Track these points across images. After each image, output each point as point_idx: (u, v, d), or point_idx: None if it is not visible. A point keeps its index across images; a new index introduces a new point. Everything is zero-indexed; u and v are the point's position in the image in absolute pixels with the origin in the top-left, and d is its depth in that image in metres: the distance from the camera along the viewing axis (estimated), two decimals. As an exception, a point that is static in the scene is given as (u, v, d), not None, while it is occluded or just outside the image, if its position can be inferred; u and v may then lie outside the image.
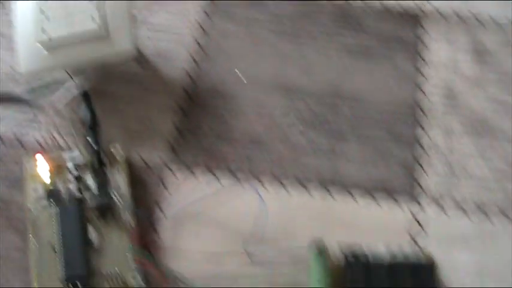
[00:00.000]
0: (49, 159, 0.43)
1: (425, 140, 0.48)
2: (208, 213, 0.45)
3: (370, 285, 0.41)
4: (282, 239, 0.45)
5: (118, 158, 0.44)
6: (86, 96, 0.44)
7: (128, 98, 0.47)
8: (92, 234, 0.42)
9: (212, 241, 0.44)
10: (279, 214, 0.45)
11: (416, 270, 0.41)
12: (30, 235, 0.41)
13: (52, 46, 0.43)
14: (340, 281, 0.41)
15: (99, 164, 0.43)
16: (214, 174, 0.46)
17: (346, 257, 0.42)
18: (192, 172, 0.46)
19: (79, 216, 0.42)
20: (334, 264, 0.43)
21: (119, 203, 0.42)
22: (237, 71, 0.48)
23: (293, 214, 0.46)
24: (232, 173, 0.46)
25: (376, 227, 0.46)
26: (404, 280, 0.41)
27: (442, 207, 0.47)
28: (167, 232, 0.44)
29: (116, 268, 0.41)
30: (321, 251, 0.42)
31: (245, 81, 0.47)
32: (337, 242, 0.42)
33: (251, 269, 0.42)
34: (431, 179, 0.47)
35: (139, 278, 0.41)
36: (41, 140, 0.46)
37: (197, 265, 0.43)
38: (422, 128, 0.48)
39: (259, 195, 0.44)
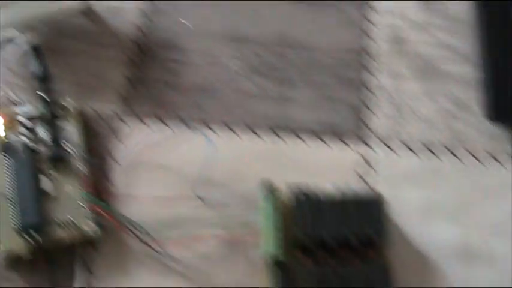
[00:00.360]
0: (2, 114, 0.44)
1: (372, 84, 0.49)
2: (160, 160, 0.46)
3: (318, 221, 0.41)
4: (233, 181, 0.45)
5: (70, 109, 0.44)
6: (36, 51, 0.45)
7: (79, 53, 0.48)
8: (46, 184, 0.42)
9: (164, 186, 0.45)
10: (230, 158, 0.46)
11: (364, 205, 0.42)
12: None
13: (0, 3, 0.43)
14: (289, 218, 0.42)
15: (51, 116, 0.43)
16: (165, 123, 0.47)
17: (294, 195, 0.42)
18: (143, 121, 0.47)
19: (33, 166, 0.42)
20: (283, 203, 0.43)
21: (72, 153, 0.43)
22: (181, 19, 0.49)
23: (243, 158, 0.46)
24: (183, 121, 0.46)
25: (326, 168, 0.47)
26: (352, 215, 0.42)
27: (390, 147, 0.48)
28: (120, 179, 0.44)
29: (70, 216, 0.41)
30: (270, 191, 0.43)
31: (192, 28, 0.47)
32: (287, 182, 0.43)
33: (203, 212, 0.43)
34: (379, 120, 0.48)
35: (93, 225, 0.41)
36: (-7, 96, 0.46)
37: (150, 210, 0.43)
38: (370, 73, 0.49)
39: (208, 138, 0.44)
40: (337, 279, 0.40)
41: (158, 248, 0.43)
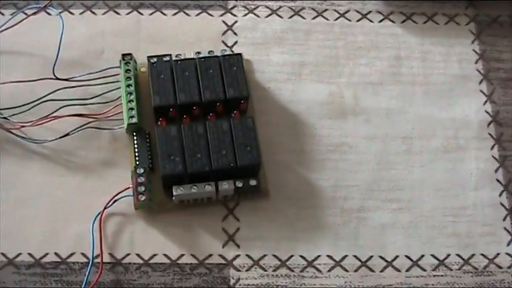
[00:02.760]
0: None
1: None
2: (17, 45, 0.44)
3: (179, 87, 0.41)
4: (92, 59, 0.44)
5: None
6: None
7: None
8: None
9: (23, 71, 0.43)
10: (88, 37, 0.45)
11: (226, 68, 0.41)
12: None
13: None
14: (148, 88, 0.41)
15: None
16: (18, 8, 0.44)
17: (152, 65, 0.41)
18: (-3, 9, 0.44)
19: None
20: (142, 74, 0.43)
21: None
22: None
23: (103, 35, 0.45)
24: (39, 5, 0.44)
25: (190, 39, 0.45)
26: (214, 78, 0.41)
27: (254, 13, 0.47)
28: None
29: None
30: (128, 62, 0.42)
31: None
32: (148, 56, 0.42)
33: (63, 92, 0.41)
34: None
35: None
36: None
37: (8, 96, 0.41)
38: None
39: (60, 16, 0.42)
40: (199, 137, 0.40)
41: (18, 132, 0.41)
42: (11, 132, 0.40)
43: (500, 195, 0.40)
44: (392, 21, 0.46)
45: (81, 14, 0.45)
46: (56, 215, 0.39)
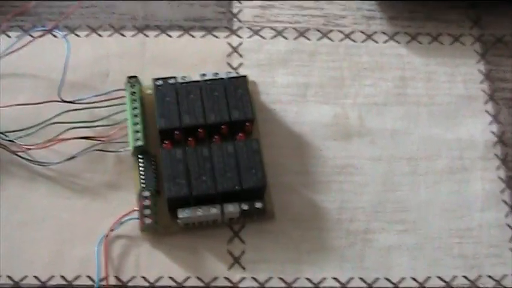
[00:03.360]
0: None
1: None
2: (23, 67, 0.44)
3: (183, 109, 0.41)
4: (98, 81, 0.44)
5: None
6: None
7: None
8: None
9: (28, 94, 0.43)
10: (93, 59, 0.45)
11: (231, 90, 0.42)
12: None
13: None
14: (152, 110, 0.42)
15: None
16: (24, 30, 0.45)
17: (157, 87, 0.42)
18: (4, 32, 0.44)
19: None
20: (147, 96, 0.43)
21: None
22: None
23: (108, 57, 0.45)
24: (45, 27, 0.45)
25: (195, 61, 0.46)
26: (219, 100, 0.42)
27: (259, 34, 0.47)
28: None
29: None
30: (134, 84, 0.42)
31: None
32: (153, 78, 0.42)
33: (69, 115, 0.41)
34: (247, 10, 0.47)
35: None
36: None
37: (14, 119, 0.41)
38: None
39: (65, 38, 0.42)
40: (204, 159, 0.40)
41: (24, 155, 0.41)
42: (17, 155, 0.41)
43: (506, 216, 0.40)
44: (397, 42, 0.47)
45: (86, 36, 0.46)
46: (61, 238, 0.39)
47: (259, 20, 0.47)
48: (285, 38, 0.47)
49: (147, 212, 0.39)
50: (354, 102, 0.45)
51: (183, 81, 0.42)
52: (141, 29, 0.46)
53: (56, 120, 0.42)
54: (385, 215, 0.41)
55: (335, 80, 0.45)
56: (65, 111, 0.42)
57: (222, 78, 0.42)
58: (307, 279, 0.39)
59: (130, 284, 0.38)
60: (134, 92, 0.42)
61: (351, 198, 0.42)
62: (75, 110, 0.42)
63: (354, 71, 0.46)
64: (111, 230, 0.39)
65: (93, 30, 0.46)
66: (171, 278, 0.38)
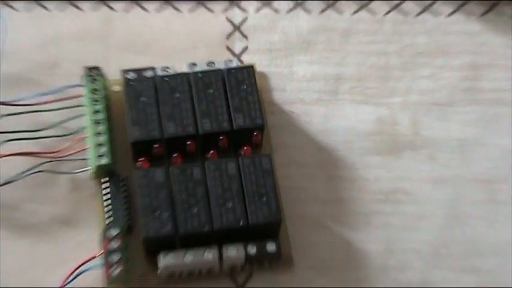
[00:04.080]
0: None
1: None
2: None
3: (165, 114, 0.43)
4: (44, 73, 0.47)
5: None
6: None
7: None
8: None
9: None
10: (39, 44, 0.47)
11: (232, 85, 0.44)
12: None
13: None
14: (123, 115, 0.44)
15: None
16: None
17: (124, 75, 0.43)
18: None
19: None
20: (115, 95, 0.45)
21: None
22: None
23: (58, 41, 0.47)
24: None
25: (179, 45, 0.48)
26: (215, 101, 0.44)
27: (271, 6, 0.49)
28: None
29: None
30: (95, 78, 0.45)
31: None
32: (122, 69, 0.44)
33: (8, 122, 0.44)
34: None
35: None
36: None
37: None
38: None
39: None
40: (195, 183, 0.42)
41: None
42: None
43: None
44: (467, 15, 0.48)
45: (27, 9, 0.47)
46: (-6, 295, 0.40)
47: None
48: (308, 11, 0.49)
49: (115, 257, 0.41)
50: (405, 102, 0.47)
51: (164, 73, 0.44)
52: (104, 0, 0.48)
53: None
54: (451, 261, 0.43)
55: (378, 70, 0.47)
56: (-1, 117, 0.42)
57: (220, 70, 0.44)
58: None
59: None
60: (96, 90, 0.44)
61: (401, 237, 0.43)
62: (13, 114, 0.44)
63: (405, 57, 0.48)
64: (65, 284, 0.40)
65: (38, 2, 0.48)
66: None
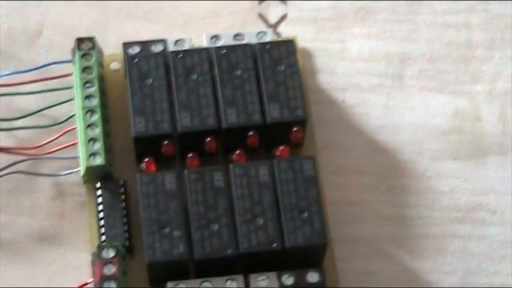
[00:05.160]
0: None
1: None
2: None
3: (176, 83, 0.44)
4: (24, 48, 0.48)
5: None
6: None
7: None
8: None
9: None
10: (15, 7, 0.49)
11: (263, 53, 0.45)
12: None
13: None
14: (123, 103, 0.44)
15: None
16: None
17: (126, 50, 0.44)
18: None
19: None
20: (111, 70, 0.46)
21: None
22: None
23: (39, 2, 0.49)
24: None
25: (197, 11, 0.49)
26: (241, 67, 0.44)
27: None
28: None
29: None
30: (87, 52, 0.45)
31: None
32: (125, 42, 0.45)
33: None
34: None
35: None
36: None
37: None
38: None
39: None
40: (215, 192, 0.42)
41: None
42: None
43: None
44: None
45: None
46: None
47: None
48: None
49: (111, 286, 0.41)
50: (492, 91, 0.47)
51: (177, 48, 0.45)
52: None
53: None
54: None
55: (457, 48, 0.48)
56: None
57: (250, 45, 0.44)
58: None
59: None
60: (88, 67, 0.45)
61: (483, 267, 0.44)
62: None
63: (491, 33, 0.48)
64: None
65: None
66: None
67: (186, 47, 0.45)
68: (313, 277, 0.41)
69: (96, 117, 0.44)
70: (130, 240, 0.43)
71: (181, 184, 0.42)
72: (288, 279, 0.41)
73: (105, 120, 0.44)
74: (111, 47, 0.45)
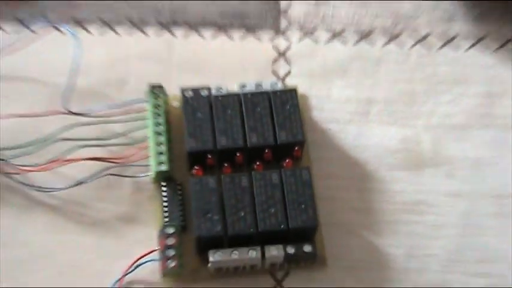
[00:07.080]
0: None
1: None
2: (21, 70, 0.46)
3: (219, 128, 0.42)
4: (115, 91, 0.46)
5: None
6: None
7: None
8: None
9: (29, 103, 0.45)
10: (107, 61, 0.46)
11: (275, 97, 0.43)
12: None
13: None
14: (181, 127, 0.43)
15: None
16: (22, 23, 0.46)
17: (187, 99, 0.43)
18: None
19: None
20: (174, 110, 0.44)
21: None
22: None
23: (126, 61, 0.46)
24: (49, 21, 0.46)
25: (231, 68, 0.47)
26: (262, 117, 0.43)
27: (312, 37, 0.48)
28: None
29: None
30: (158, 95, 0.44)
31: None
32: (181, 87, 0.43)
33: (77, 130, 0.43)
34: (298, 6, 0.49)
35: None
36: None
37: (9, 132, 0.43)
38: None
39: (74, 34, 0.44)
40: (242, 190, 0.41)
41: (20, 178, 0.42)
42: (12, 178, 0.42)
43: None
44: (483, 49, 0.47)
45: (101, 33, 0.47)
46: (64, 282, 0.40)
47: (312, 19, 0.48)
48: (344, 42, 0.48)
49: (171, 253, 0.40)
50: (428, 124, 0.46)
51: (218, 93, 0.43)
52: (167, 26, 0.47)
53: (60, 136, 0.43)
54: (465, 266, 0.42)
55: (405, 95, 0.46)
56: (72, 126, 0.43)
57: (266, 92, 0.43)
58: None
59: None
60: (158, 105, 0.43)
61: (422, 244, 0.43)
62: (85, 124, 0.43)
63: (428, 85, 0.47)
64: (126, 274, 0.40)
65: (109, 25, 0.47)
66: (197, 335, 0.39)
67: (224, 92, 0.44)
68: (307, 248, 0.41)
69: (162, 138, 0.43)
70: (184, 222, 0.42)
71: (219, 184, 0.41)
72: (291, 249, 0.40)
73: (169, 140, 0.43)
74: (173, 91, 0.44)
